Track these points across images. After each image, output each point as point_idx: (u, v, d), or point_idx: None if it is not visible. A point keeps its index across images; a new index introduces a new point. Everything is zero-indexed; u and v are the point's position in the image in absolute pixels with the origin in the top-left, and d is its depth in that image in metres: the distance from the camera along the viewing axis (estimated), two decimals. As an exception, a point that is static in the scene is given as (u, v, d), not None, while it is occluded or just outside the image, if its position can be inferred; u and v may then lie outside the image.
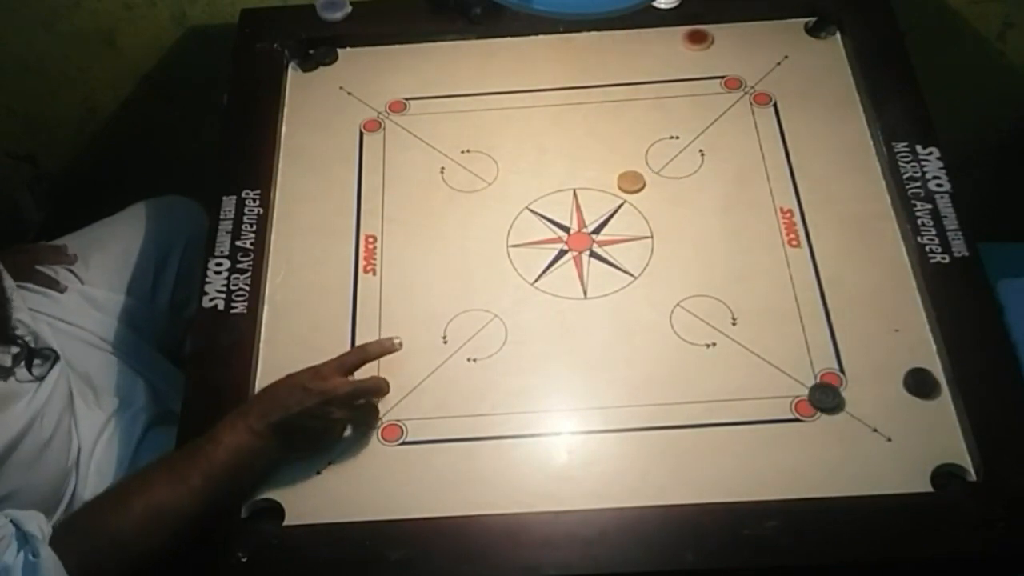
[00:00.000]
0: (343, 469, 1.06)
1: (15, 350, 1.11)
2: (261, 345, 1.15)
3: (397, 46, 1.41)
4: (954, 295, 1.12)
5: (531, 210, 1.25)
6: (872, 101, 1.28)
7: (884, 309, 1.13)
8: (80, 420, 1.19)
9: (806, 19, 1.38)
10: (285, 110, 1.35)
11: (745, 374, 1.10)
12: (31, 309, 1.22)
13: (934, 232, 1.16)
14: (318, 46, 1.40)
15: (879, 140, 1.25)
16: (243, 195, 1.25)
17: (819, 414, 1.06)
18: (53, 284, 1.30)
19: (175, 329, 1.42)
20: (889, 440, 1.04)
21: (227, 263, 1.20)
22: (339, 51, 1.41)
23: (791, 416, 1.06)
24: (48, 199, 1.81)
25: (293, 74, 1.40)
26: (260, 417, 1.01)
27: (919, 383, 1.07)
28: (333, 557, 1.00)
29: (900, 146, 1.23)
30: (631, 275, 1.18)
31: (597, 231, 1.22)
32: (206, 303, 1.17)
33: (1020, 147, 1.69)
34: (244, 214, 1.24)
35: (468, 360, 1.13)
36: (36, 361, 1.12)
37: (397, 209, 1.26)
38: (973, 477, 1.01)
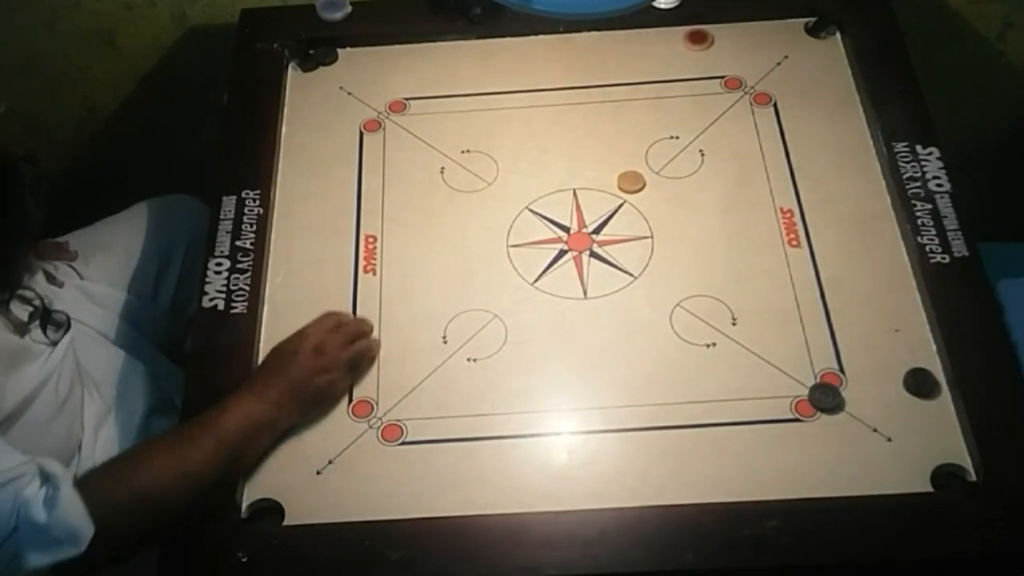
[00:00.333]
0: (343, 469, 1.06)
1: (30, 309, 1.13)
2: (261, 345, 1.15)
3: (397, 46, 1.41)
4: (954, 295, 1.12)
5: (531, 210, 1.25)
6: (872, 101, 1.28)
7: (884, 309, 1.13)
8: (83, 407, 1.19)
9: (806, 19, 1.38)
10: (285, 110, 1.35)
11: (745, 374, 1.10)
12: None
13: (934, 232, 1.16)
14: (318, 46, 1.40)
15: (879, 140, 1.25)
16: (243, 195, 1.25)
17: (819, 414, 1.06)
18: (51, 278, 1.30)
19: (176, 328, 1.42)
20: (889, 440, 1.04)
21: (227, 263, 1.20)
22: (339, 51, 1.41)
23: (791, 416, 1.06)
24: (48, 199, 1.80)
25: (293, 74, 1.40)
26: (264, 386, 1.06)
27: (919, 383, 1.07)
28: (333, 557, 1.00)
29: (900, 146, 1.23)
30: (631, 275, 1.18)
31: (597, 231, 1.22)
32: (206, 303, 1.17)
33: (1020, 147, 1.69)
34: (244, 214, 1.24)
35: (468, 360, 1.13)
36: (50, 326, 1.15)
37: (397, 209, 1.26)
38: (973, 477, 1.01)
